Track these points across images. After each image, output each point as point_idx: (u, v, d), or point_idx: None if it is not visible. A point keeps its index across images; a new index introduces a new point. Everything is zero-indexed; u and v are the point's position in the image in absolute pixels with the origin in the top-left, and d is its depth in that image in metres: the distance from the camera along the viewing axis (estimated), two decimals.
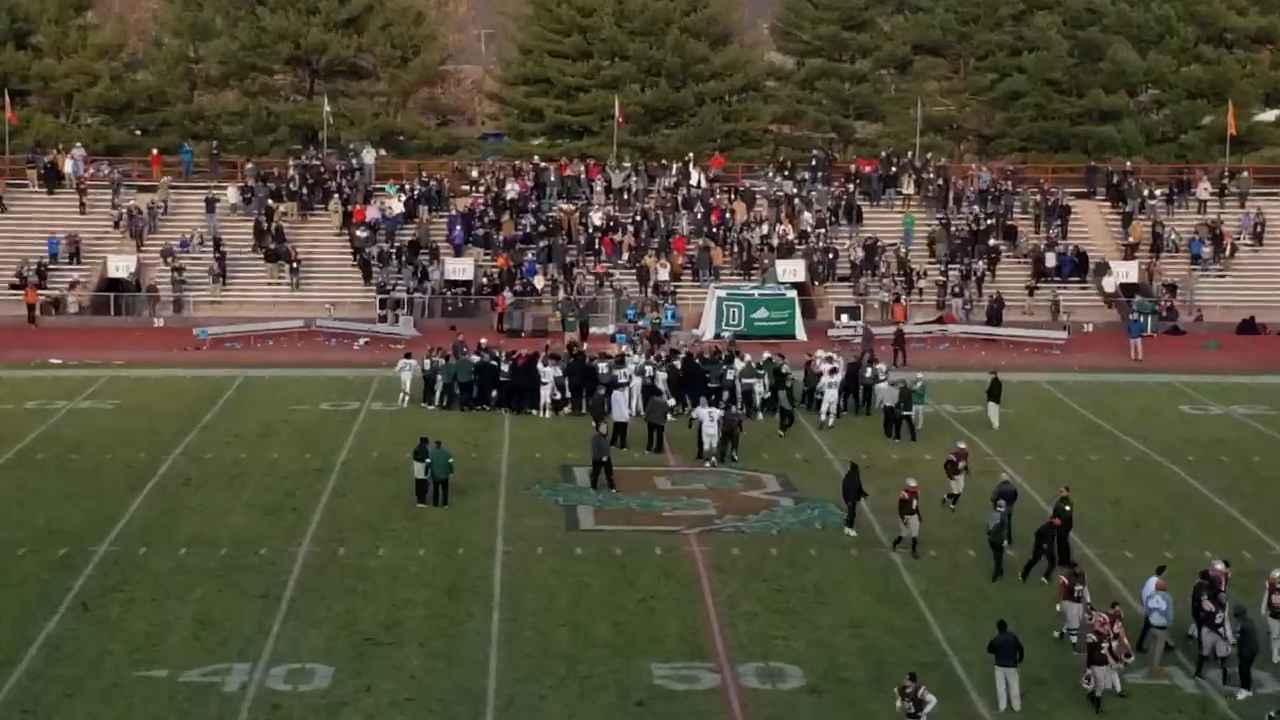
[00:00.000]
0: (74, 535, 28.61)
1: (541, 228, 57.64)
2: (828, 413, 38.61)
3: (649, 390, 38.36)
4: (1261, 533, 29.72)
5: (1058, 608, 24.10)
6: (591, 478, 32.28)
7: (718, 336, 49.00)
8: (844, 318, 53.43)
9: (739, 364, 39.74)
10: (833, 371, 39.42)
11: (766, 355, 40.81)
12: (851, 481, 29.31)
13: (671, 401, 38.40)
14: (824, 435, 37.61)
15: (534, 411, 39.46)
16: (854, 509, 29.29)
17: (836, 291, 56.20)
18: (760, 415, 39.13)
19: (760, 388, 39.27)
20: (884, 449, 36.37)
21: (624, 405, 36.47)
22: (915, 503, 27.88)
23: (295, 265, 55.43)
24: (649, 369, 39.20)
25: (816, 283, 55.89)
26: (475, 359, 40.26)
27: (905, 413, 37.13)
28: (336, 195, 59.04)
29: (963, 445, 31.74)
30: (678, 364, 39.87)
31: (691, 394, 38.44)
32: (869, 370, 40.42)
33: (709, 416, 34.81)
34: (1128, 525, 30.38)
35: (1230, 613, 22.91)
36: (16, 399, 40.58)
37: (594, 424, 35.23)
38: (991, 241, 57.57)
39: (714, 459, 34.74)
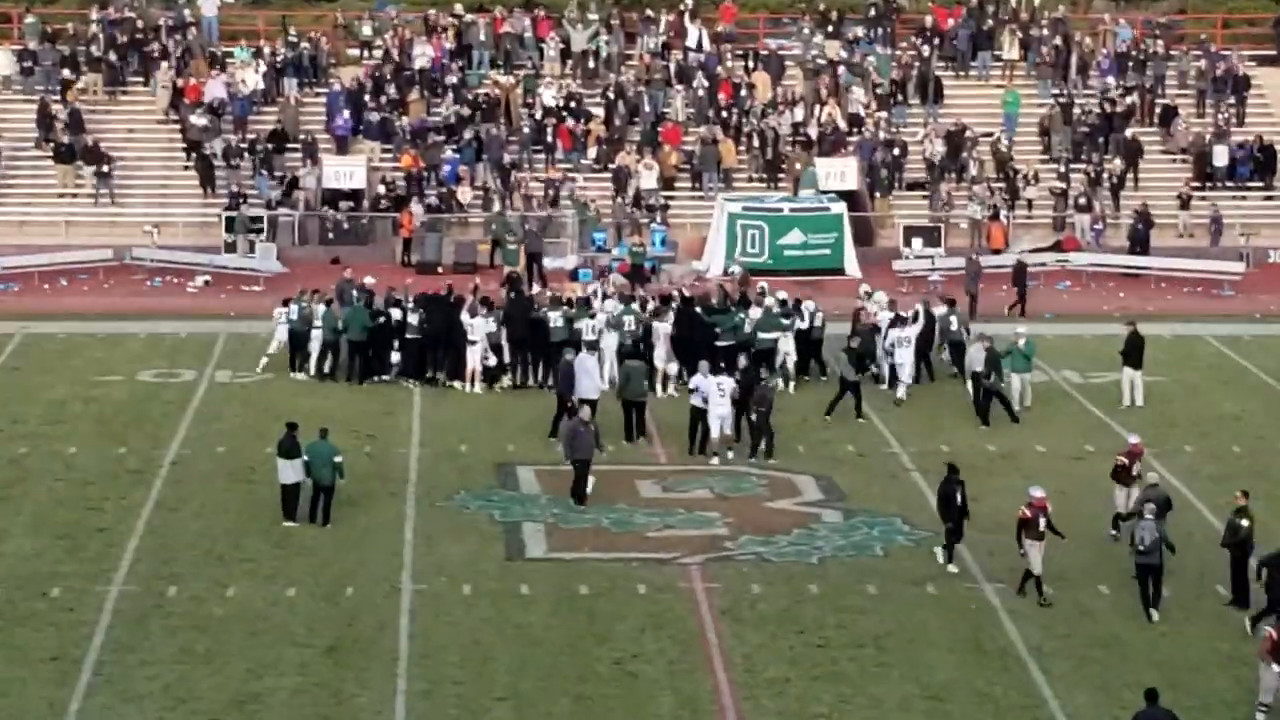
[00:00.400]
0: None
1: (467, 111, 57.45)
2: (903, 381, 38.72)
3: (626, 352, 38.30)
4: None
5: (1276, 668, 24.00)
6: (574, 487, 32.20)
7: (727, 272, 48.89)
8: (916, 243, 53.42)
9: (755, 311, 39.74)
10: (898, 320, 39.41)
11: (783, 295, 40.74)
12: (949, 492, 29.23)
13: (673, 368, 38.22)
14: (888, 416, 37.64)
15: (457, 383, 39.43)
16: (956, 533, 29.16)
17: (905, 204, 56.14)
18: (790, 385, 39.11)
19: (786, 344, 39.27)
20: (974, 437, 36.43)
21: (594, 375, 36.41)
22: (1044, 522, 27.78)
23: (105, 169, 55.13)
24: (628, 320, 39.09)
25: (877, 192, 55.85)
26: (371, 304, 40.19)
27: (1000, 383, 37.15)
28: (162, 64, 58.69)
29: (1136, 439, 31.48)
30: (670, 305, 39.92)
31: (690, 357, 38.43)
32: (952, 320, 40.46)
33: (718, 390, 34.77)
34: None
35: None
36: None
37: (563, 404, 35.18)
38: (1129, 132, 57.51)
39: (725, 452, 34.73)
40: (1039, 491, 28.19)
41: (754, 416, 34.85)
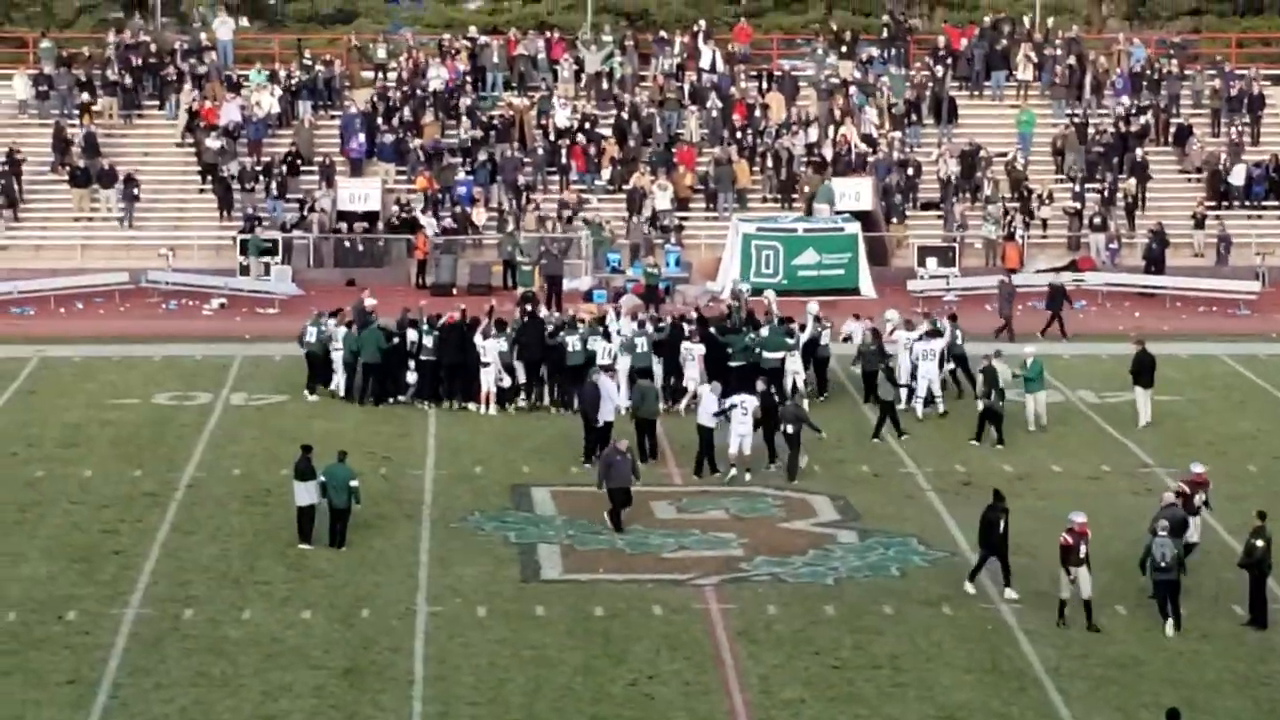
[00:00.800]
0: None
1: (481, 133, 57.50)
2: (928, 397, 38.67)
3: (638, 371, 38.27)
4: None
5: None
6: (612, 515, 32.03)
7: (760, 293, 48.61)
8: (931, 263, 53.37)
9: (764, 331, 39.74)
10: (927, 333, 39.35)
11: (777, 314, 40.62)
12: (992, 519, 28.87)
13: (705, 389, 37.88)
14: (905, 437, 37.59)
15: (471, 405, 39.40)
16: (987, 561, 28.84)
17: (920, 224, 56.09)
18: (805, 404, 39.05)
19: (793, 364, 39.20)
20: (990, 456, 36.37)
21: (614, 397, 36.28)
22: (1085, 549, 27.61)
23: (136, 191, 55.10)
24: (640, 342, 38.91)
25: (894, 218, 55.74)
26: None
27: (998, 403, 36.98)
28: (184, 86, 58.77)
29: (1201, 469, 31.00)
30: (685, 330, 39.81)
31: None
32: (958, 335, 40.43)
33: (741, 409, 34.73)
34: None
35: None
36: None
37: (590, 425, 35.22)
38: (1140, 152, 57.41)
39: (743, 472, 34.76)
40: (1080, 517, 27.82)
41: (789, 430, 34.73)
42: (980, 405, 37.25)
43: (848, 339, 41.12)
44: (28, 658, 26.34)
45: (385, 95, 58.69)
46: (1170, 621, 27.18)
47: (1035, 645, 26.98)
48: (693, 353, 38.93)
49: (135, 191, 55.03)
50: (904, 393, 38.99)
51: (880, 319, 41.81)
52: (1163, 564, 27.20)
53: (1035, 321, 47.46)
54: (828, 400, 40.04)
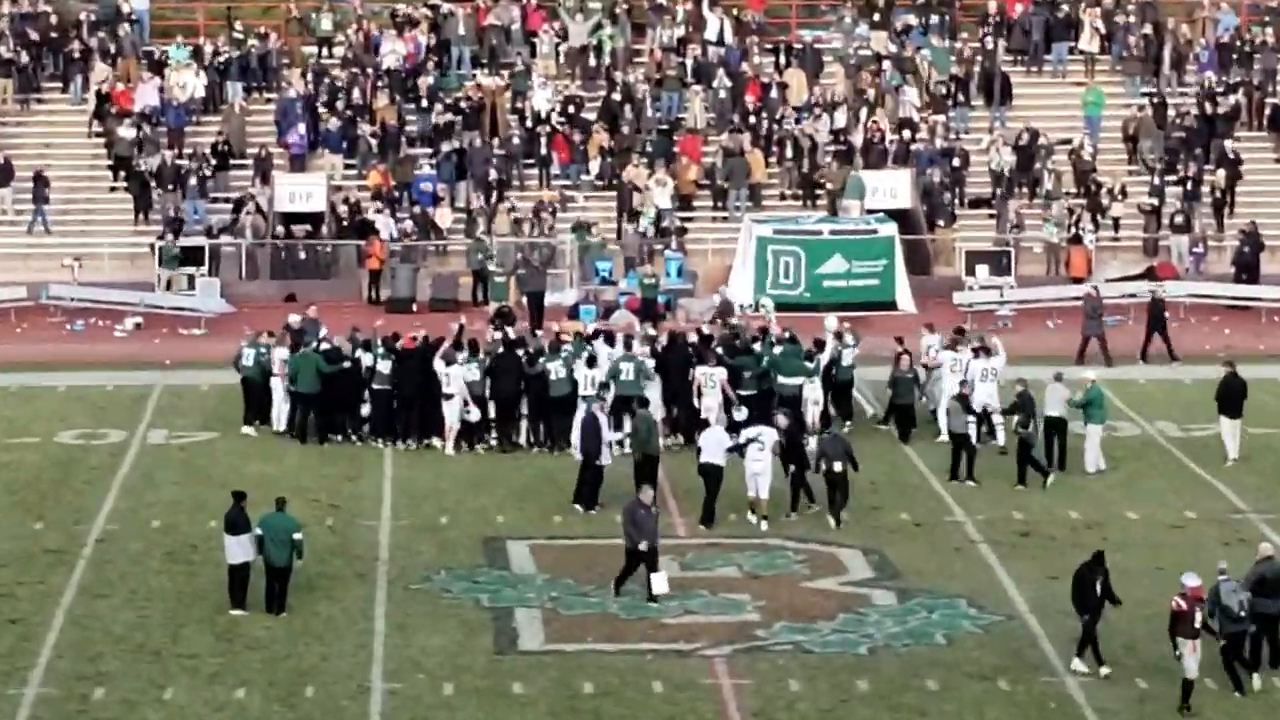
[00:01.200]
0: None
1: (446, 118, 57.61)
2: (982, 417, 38.65)
3: (638, 401, 38.34)
4: None
5: None
6: (618, 579, 31.92)
7: (757, 307, 48.83)
8: (981, 271, 53.44)
9: (776, 351, 39.85)
10: (979, 349, 39.48)
11: (777, 331, 40.67)
12: (1088, 578, 28.81)
13: (741, 415, 37.84)
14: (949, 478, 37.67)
15: (436, 442, 39.45)
16: (1093, 630, 28.99)
17: (969, 225, 56.17)
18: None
19: (812, 391, 39.28)
20: (1051, 500, 36.44)
21: (605, 435, 36.20)
22: (1200, 616, 27.60)
23: (45, 193, 55.13)
24: (626, 368, 38.67)
25: (937, 218, 55.79)
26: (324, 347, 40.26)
27: (1034, 434, 37.06)
28: (97, 65, 58.84)
29: None
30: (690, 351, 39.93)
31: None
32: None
33: (758, 444, 34.81)
34: None
35: None
36: None
37: (589, 463, 35.28)
38: (1229, 143, 57.50)
39: (761, 520, 34.85)
40: (1194, 580, 27.64)
41: (837, 468, 34.88)
42: (1016, 438, 37.42)
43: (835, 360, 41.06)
44: None
45: (329, 74, 58.75)
46: (1244, 680, 27.37)
47: None
48: (712, 378, 38.84)
49: (46, 192, 54.99)
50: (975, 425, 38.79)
51: (914, 337, 41.69)
52: (1241, 613, 27.29)
53: (1120, 341, 47.32)
54: (853, 432, 39.87)
